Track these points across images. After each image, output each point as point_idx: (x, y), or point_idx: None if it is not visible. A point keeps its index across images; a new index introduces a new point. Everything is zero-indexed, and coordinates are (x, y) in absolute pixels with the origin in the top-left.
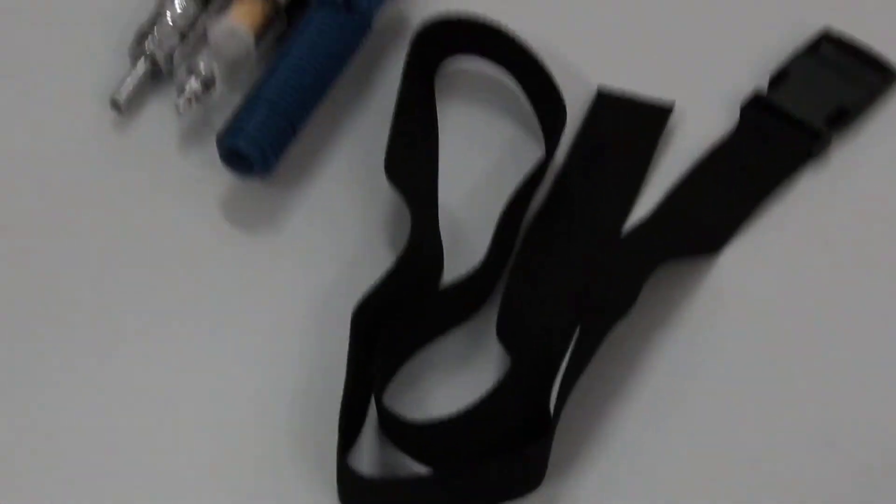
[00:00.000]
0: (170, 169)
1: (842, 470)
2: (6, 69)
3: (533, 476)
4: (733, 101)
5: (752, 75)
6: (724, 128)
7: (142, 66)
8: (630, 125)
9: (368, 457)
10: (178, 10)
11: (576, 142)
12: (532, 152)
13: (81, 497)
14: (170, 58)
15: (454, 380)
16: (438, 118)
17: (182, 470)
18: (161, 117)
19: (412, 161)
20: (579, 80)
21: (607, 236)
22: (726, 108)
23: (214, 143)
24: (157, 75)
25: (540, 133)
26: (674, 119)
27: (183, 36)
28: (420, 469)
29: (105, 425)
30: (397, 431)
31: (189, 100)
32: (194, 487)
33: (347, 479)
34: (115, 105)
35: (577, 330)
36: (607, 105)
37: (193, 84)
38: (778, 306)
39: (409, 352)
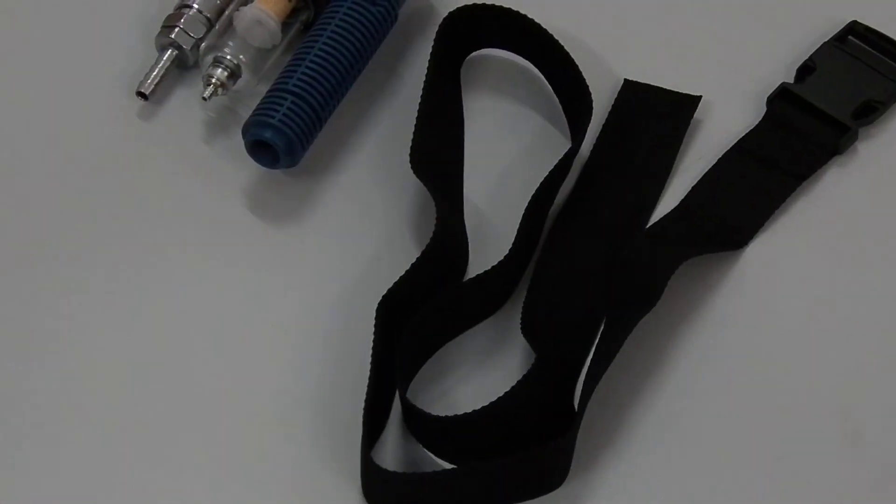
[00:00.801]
0: (195, 159)
1: (868, 468)
2: (37, 59)
3: (557, 473)
4: (759, 94)
5: (778, 68)
6: (751, 121)
7: (168, 56)
8: (656, 118)
9: (392, 451)
10: (205, 0)
11: (602, 134)
12: (558, 144)
13: (109, 485)
14: (196, 47)
15: (478, 375)
16: (464, 109)
17: (208, 462)
18: (187, 107)
19: (438, 153)
20: (606, 72)
21: (633, 229)
22: (752, 102)
23: (240, 133)
24: (184, 64)
25: (566, 125)
26: (700, 112)
27: (209, 25)
28: (443, 464)
29: (131, 413)
30: (421, 426)
31: (215, 89)
32: (220, 479)
33: (371, 473)
34: (140, 94)
35: (602, 325)
36: (634, 97)
37: (219, 73)
38: (804, 302)
39: (434, 346)
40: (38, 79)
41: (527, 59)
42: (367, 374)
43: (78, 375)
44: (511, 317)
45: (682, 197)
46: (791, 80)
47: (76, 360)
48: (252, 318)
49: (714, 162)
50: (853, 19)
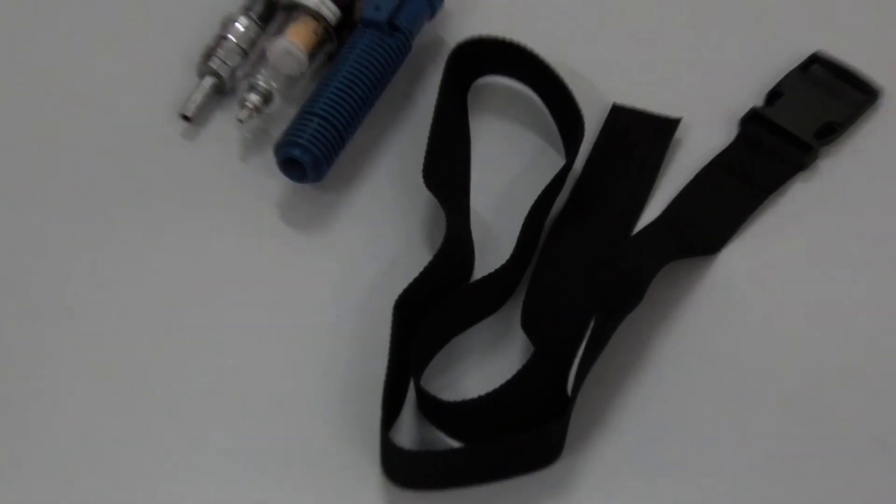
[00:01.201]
0: (232, 174)
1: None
2: (94, 86)
3: (553, 450)
4: (733, 116)
5: (749, 93)
6: (725, 141)
7: (208, 82)
8: (641, 137)
9: (408, 432)
10: (240, 32)
11: (593, 152)
12: (554, 161)
13: (145, 462)
14: (232, 74)
15: (483, 365)
16: (471, 130)
17: (243, 442)
18: (225, 128)
19: (447, 168)
20: (597, 97)
21: (619, 237)
22: (726, 123)
23: (272, 151)
24: (222, 90)
25: (561, 144)
26: (680, 132)
27: (244, 55)
28: (453, 443)
29: (169, 398)
30: (433, 410)
31: (250, 112)
32: (254, 457)
33: (389, 452)
34: (183, 116)
35: (592, 321)
36: (621, 119)
37: (253, 98)
38: (769, 301)
39: (444, 339)
40: (95, 103)
41: (526, 85)
42: (386, 364)
43: (129, 367)
44: (512, 314)
45: (665, 207)
46: (761, 104)
47: (127, 353)
48: (284, 314)
49: (692, 177)
50: (816, 50)
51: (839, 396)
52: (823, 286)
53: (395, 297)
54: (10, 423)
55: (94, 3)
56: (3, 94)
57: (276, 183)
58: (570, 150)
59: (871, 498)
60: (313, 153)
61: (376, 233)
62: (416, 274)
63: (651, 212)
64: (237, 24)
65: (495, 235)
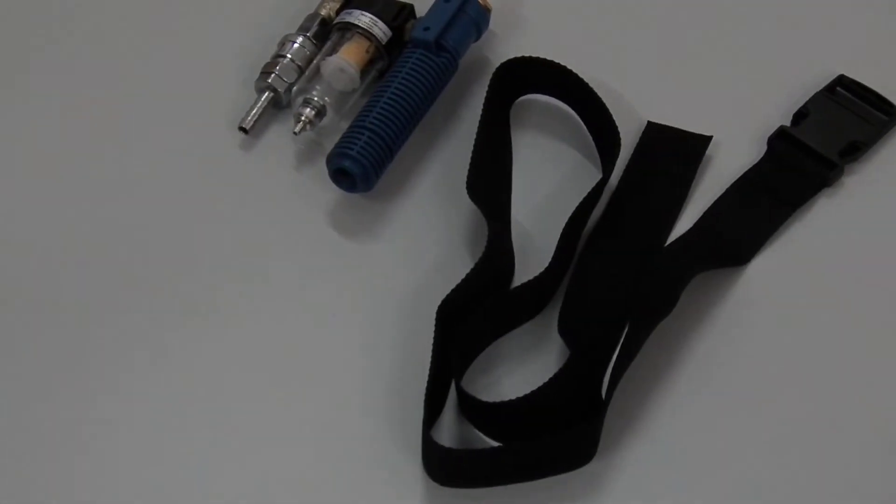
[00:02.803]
0: (287, 183)
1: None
2: (161, 101)
3: (587, 451)
4: (761, 135)
5: (777, 113)
6: (754, 157)
7: (265, 97)
8: (674, 153)
9: (448, 432)
10: (297, 50)
11: (628, 167)
12: (591, 175)
13: (193, 456)
14: (289, 90)
15: (522, 367)
16: (513, 144)
17: (297, 438)
18: (281, 140)
19: (490, 181)
20: (632, 115)
21: (653, 248)
22: (755, 141)
23: (325, 163)
24: (278, 105)
25: (598, 159)
26: (711, 149)
27: (300, 72)
28: (491, 443)
29: (224, 403)
30: (473, 410)
31: (304, 125)
32: (307, 453)
33: (431, 450)
34: (242, 129)
35: (626, 327)
36: (655, 136)
37: (308, 112)
38: (796, 310)
39: (485, 343)
40: (162, 116)
41: (566, 103)
42: (428, 366)
43: (178, 374)
44: (550, 320)
45: (696, 220)
46: (788, 124)
47: (185, 354)
48: (333, 317)
49: (723, 191)
50: (841, 73)
51: (864, 403)
52: (847, 297)
53: (439, 302)
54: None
55: (161, 26)
56: (82, 109)
57: (328, 192)
58: (607, 164)
59: None
60: (363, 165)
61: (422, 241)
62: (458, 280)
63: (683, 224)
64: (294, 43)
65: (535, 245)
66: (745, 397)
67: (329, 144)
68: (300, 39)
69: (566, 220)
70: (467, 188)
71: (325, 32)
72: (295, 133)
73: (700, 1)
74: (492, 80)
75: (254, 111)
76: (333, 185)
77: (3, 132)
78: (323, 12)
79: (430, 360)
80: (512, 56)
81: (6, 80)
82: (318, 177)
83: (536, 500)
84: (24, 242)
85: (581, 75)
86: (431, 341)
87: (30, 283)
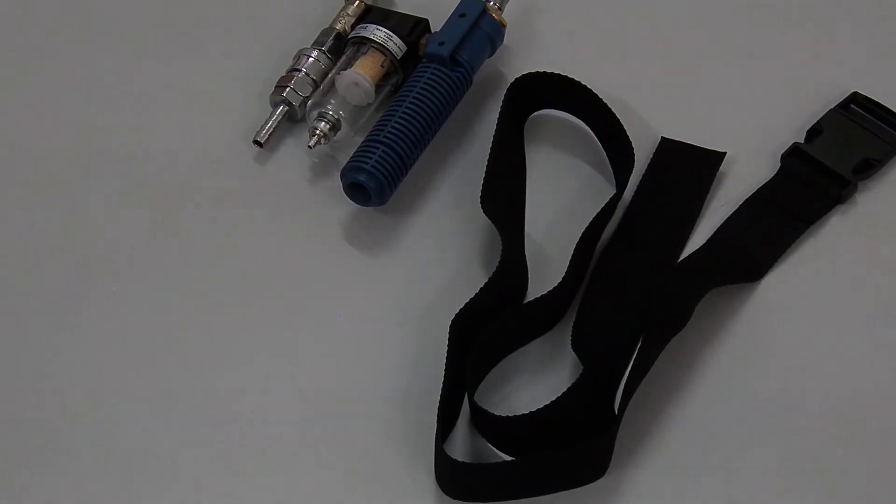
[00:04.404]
0: (301, 197)
1: (868, 464)
2: (174, 112)
3: (599, 466)
4: (775, 151)
5: (790, 130)
6: (767, 174)
7: (280, 111)
8: (688, 169)
9: (461, 445)
10: (311, 64)
11: (642, 182)
12: (604, 190)
13: (205, 478)
14: (303, 104)
15: (535, 382)
16: (527, 159)
17: (310, 453)
18: (295, 153)
19: (504, 195)
20: (646, 131)
21: (666, 263)
22: (769, 158)
23: (339, 176)
24: (293, 118)
25: (611, 174)
26: (724, 166)
27: (315, 86)
28: (504, 457)
29: (236, 417)
30: (486, 424)
31: (318, 139)
32: (320, 467)
33: (444, 463)
34: (256, 142)
35: (639, 342)
36: (669, 152)
37: (323, 126)
38: (810, 325)
39: (498, 357)
40: (177, 129)
41: (580, 118)
42: (441, 380)
43: (190, 378)
44: (563, 334)
45: (709, 236)
46: (802, 141)
47: (188, 365)
48: (346, 331)
49: (736, 207)
50: (855, 90)
51: (880, 420)
52: (860, 313)
53: (452, 315)
54: None
55: (178, 40)
56: (97, 121)
57: (342, 206)
58: (621, 180)
59: None
60: (377, 178)
61: (435, 255)
62: (472, 294)
63: (696, 240)
64: (309, 57)
65: (548, 259)
66: (759, 413)
67: (343, 158)
68: (315, 53)
69: (580, 234)
70: (481, 202)
71: (341, 47)
72: (309, 147)
73: (715, 18)
74: (506, 94)
75: (268, 125)
76: (348, 199)
77: (21, 140)
78: (338, 27)
79: (443, 373)
80: (526, 71)
81: (29, 87)
82: (333, 190)
83: None
84: (40, 255)
85: (595, 91)
86: (445, 355)
87: (46, 300)
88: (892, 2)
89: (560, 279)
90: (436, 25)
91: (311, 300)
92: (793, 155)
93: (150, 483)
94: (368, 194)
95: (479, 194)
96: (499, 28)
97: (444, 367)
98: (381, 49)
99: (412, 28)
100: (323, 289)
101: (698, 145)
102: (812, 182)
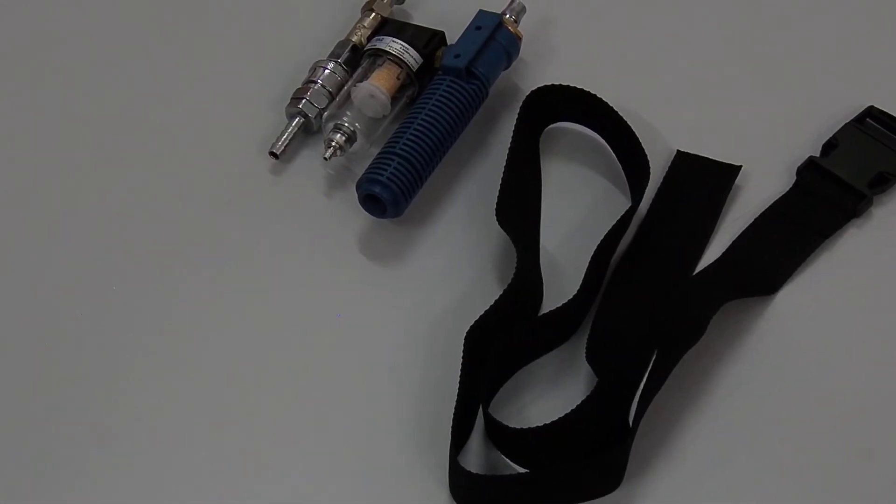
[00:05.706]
0: (317, 208)
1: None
2: (189, 124)
3: (613, 478)
4: (790, 165)
5: (806, 144)
6: (783, 188)
7: (296, 123)
8: (703, 182)
9: (475, 457)
10: (327, 76)
11: (657, 195)
12: (620, 203)
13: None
14: (319, 116)
15: (549, 394)
16: (542, 172)
17: (320, 463)
18: (311, 165)
19: (519, 208)
20: (662, 144)
21: (681, 276)
22: (785, 171)
23: (354, 188)
24: (309, 130)
25: (627, 187)
26: (740, 179)
27: (331, 97)
28: (518, 469)
29: (251, 424)
30: (500, 436)
31: (334, 151)
32: (336, 477)
33: (458, 475)
34: (272, 154)
35: (654, 355)
36: (684, 165)
37: (338, 138)
38: (824, 337)
39: (512, 369)
40: (192, 141)
41: (595, 131)
42: (456, 391)
43: (205, 386)
44: (577, 347)
45: (724, 249)
46: (817, 154)
47: (203, 373)
48: (361, 342)
49: (751, 221)
50: (871, 104)
51: (894, 433)
52: (875, 327)
53: (467, 327)
54: None
55: (193, 52)
56: (113, 132)
57: (357, 217)
58: (636, 193)
59: None
60: (393, 190)
61: (450, 267)
62: (487, 306)
63: (712, 253)
64: (325, 69)
65: (563, 272)
66: (774, 426)
67: (359, 170)
68: (331, 65)
69: (595, 247)
70: (496, 215)
71: (356, 59)
72: (325, 158)
73: (731, 32)
74: (522, 107)
75: (284, 136)
76: (363, 211)
77: (37, 149)
78: (354, 39)
79: (457, 385)
80: (542, 84)
81: (43, 102)
82: (348, 202)
83: None
84: (54, 264)
85: (611, 103)
86: (459, 367)
87: (61, 306)
88: None
89: (575, 292)
90: (452, 38)
91: (325, 311)
92: (808, 168)
93: (160, 489)
94: (384, 206)
95: (495, 207)
96: (515, 41)
97: (458, 379)
98: (397, 61)
99: (428, 40)
100: (338, 300)
101: (714, 158)
102: (827, 195)
